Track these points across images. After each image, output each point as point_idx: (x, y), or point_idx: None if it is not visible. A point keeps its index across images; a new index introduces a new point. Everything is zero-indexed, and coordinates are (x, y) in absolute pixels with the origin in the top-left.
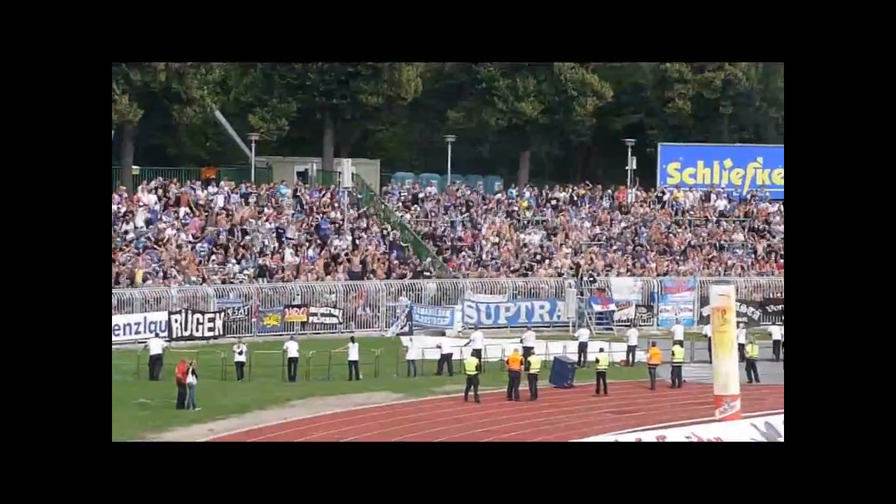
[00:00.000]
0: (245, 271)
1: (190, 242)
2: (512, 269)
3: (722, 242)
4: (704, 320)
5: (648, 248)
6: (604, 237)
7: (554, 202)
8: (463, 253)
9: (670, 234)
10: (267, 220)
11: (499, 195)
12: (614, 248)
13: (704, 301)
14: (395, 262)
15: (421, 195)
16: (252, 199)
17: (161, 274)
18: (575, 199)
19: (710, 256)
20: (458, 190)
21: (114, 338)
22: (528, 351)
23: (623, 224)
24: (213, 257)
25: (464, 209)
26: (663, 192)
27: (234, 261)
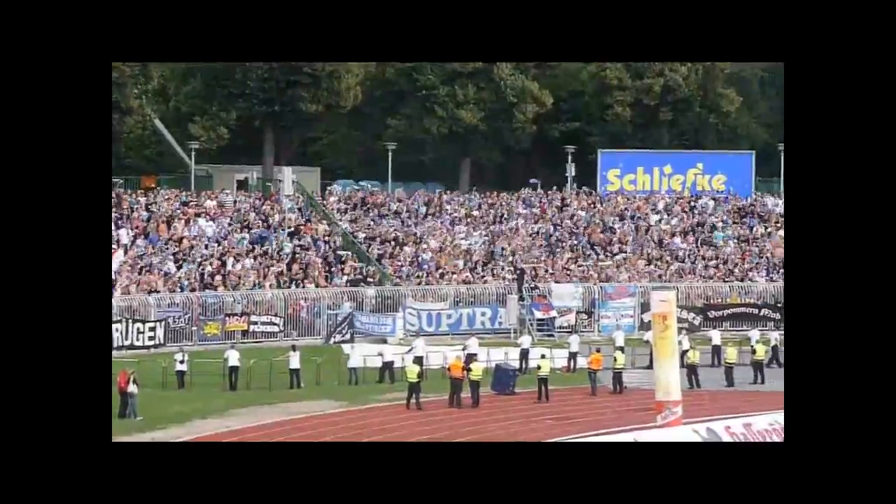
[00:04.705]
0: (185, 280)
1: (130, 251)
2: (454, 275)
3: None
4: (646, 326)
5: (590, 247)
6: (546, 240)
7: (496, 207)
8: (404, 259)
9: (611, 232)
10: (207, 229)
11: (440, 201)
12: (556, 250)
13: (645, 307)
14: (336, 269)
15: (362, 201)
16: (192, 208)
17: None
18: (517, 203)
19: (650, 256)
20: (399, 200)
21: None
22: (470, 358)
23: (566, 222)
24: (154, 266)
25: (405, 215)
26: (595, 203)
27: (174, 270)
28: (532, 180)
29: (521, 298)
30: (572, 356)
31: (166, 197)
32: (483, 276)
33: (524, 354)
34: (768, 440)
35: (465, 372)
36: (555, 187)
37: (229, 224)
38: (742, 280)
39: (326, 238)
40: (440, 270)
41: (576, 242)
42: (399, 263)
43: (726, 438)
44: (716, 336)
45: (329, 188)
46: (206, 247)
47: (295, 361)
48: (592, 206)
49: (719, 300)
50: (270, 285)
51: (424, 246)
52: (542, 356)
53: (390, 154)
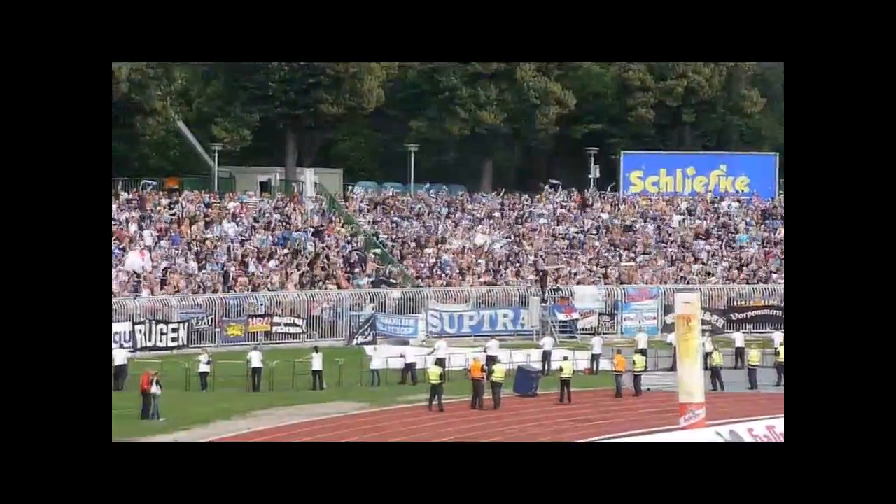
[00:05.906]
0: (208, 281)
1: (154, 252)
2: (477, 276)
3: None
4: (668, 328)
5: (612, 248)
6: (568, 240)
7: (518, 209)
8: (425, 261)
9: (633, 234)
10: (230, 230)
11: (462, 202)
12: (578, 253)
13: (668, 309)
14: (359, 270)
15: (385, 202)
16: (215, 209)
17: (126, 284)
18: (539, 204)
19: (674, 257)
20: (422, 199)
21: None
22: (491, 359)
23: (588, 224)
24: (177, 267)
25: (429, 216)
26: (617, 203)
27: (197, 271)
28: (552, 181)
29: (544, 300)
30: (595, 358)
31: (190, 198)
32: (506, 277)
33: (546, 356)
34: None
35: (483, 373)
36: (575, 189)
37: (252, 225)
38: (765, 282)
39: (348, 239)
40: (461, 271)
41: (598, 244)
42: (421, 265)
43: (749, 441)
44: (739, 338)
45: (350, 189)
46: (229, 248)
47: (317, 363)
48: (615, 207)
49: (742, 302)
50: (295, 286)
51: (447, 247)
52: (565, 358)
53: (412, 156)
